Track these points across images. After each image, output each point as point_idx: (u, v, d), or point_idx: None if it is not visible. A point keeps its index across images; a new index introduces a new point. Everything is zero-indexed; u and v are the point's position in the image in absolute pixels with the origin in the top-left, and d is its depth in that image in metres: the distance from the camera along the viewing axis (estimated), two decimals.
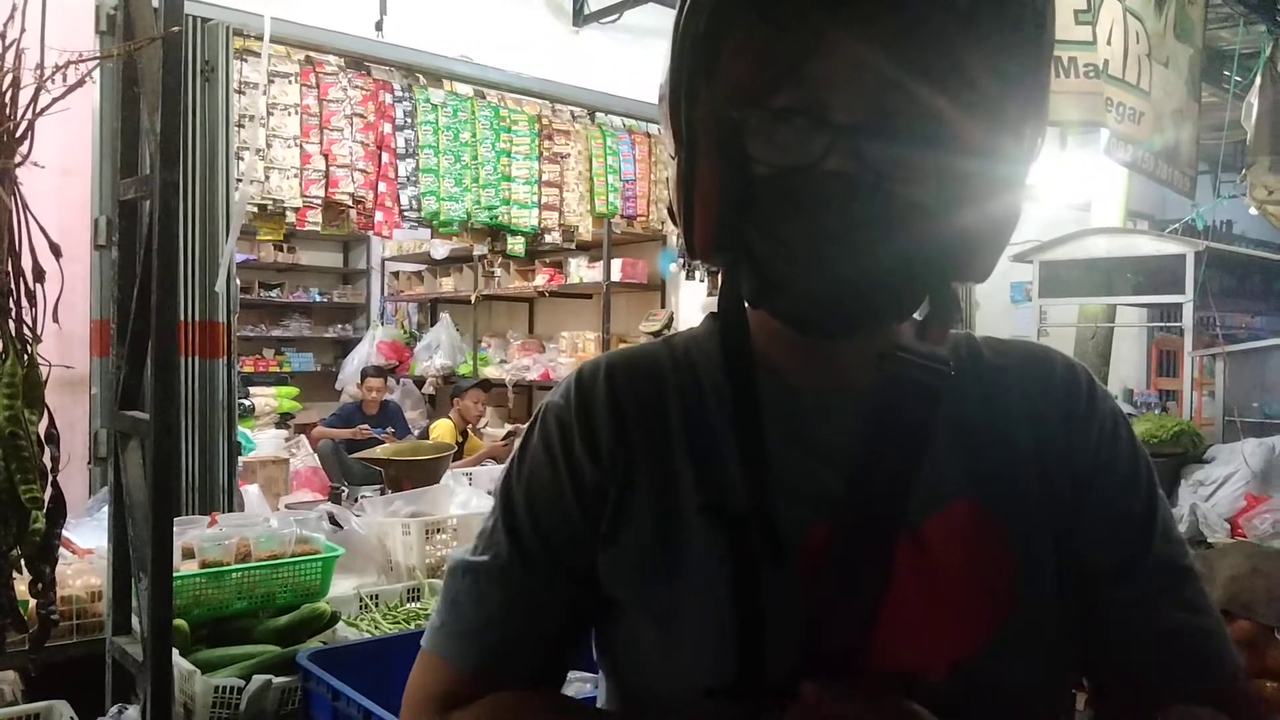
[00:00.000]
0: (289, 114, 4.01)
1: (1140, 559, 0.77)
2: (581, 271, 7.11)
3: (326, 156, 4.16)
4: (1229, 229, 9.75)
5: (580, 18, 5.20)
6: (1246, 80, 5.87)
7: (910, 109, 0.65)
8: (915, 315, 0.74)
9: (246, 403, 6.52)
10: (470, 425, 6.28)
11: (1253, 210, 6.19)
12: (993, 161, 0.68)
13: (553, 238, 5.13)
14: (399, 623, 2.50)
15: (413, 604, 2.66)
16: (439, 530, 2.93)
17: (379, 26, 4.03)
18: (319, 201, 4.16)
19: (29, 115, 1.75)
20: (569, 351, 7.33)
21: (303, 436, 6.53)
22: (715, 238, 0.71)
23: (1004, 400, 0.78)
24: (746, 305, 0.74)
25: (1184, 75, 5.11)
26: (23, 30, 1.70)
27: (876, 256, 0.65)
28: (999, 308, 8.36)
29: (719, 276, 0.75)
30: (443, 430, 6.04)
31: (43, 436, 1.79)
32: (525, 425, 0.86)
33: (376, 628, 2.48)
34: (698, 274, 6.27)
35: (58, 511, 1.79)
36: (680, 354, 0.82)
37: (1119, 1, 4.36)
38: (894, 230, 0.65)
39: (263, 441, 5.91)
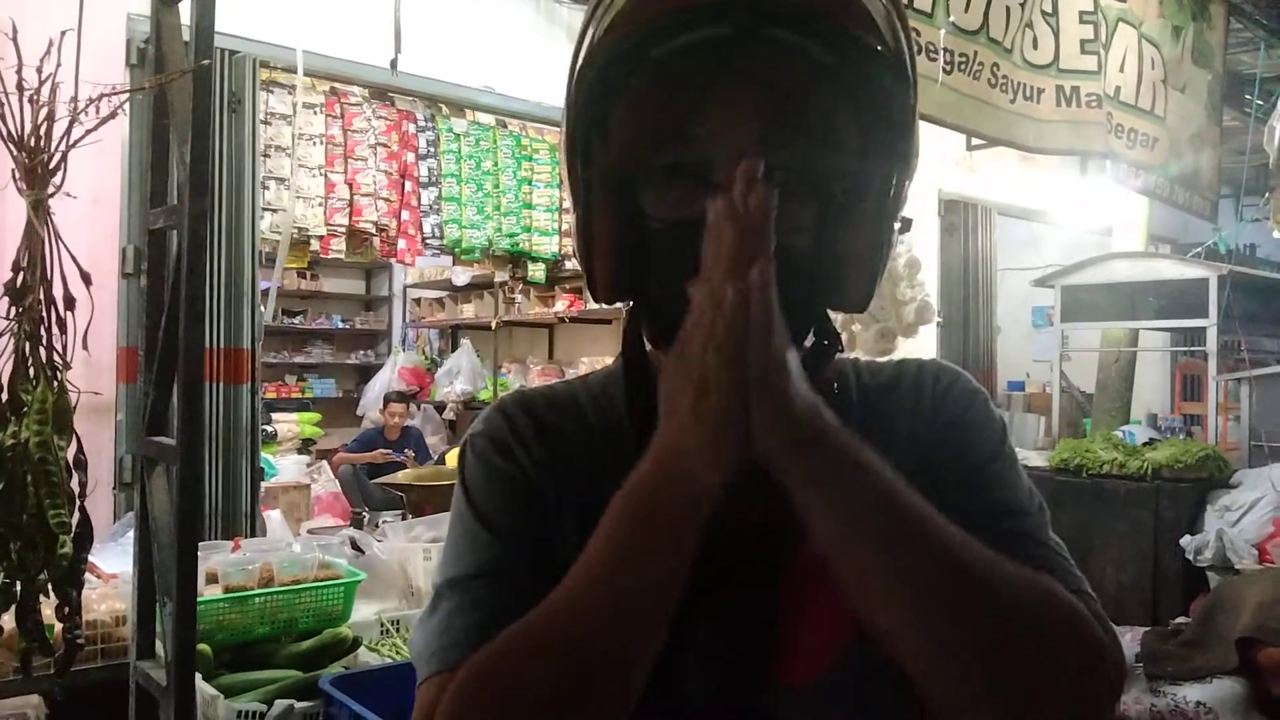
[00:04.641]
0: (314, 144, 4.07)
1: (974, 505, 0.76)
2: None
3: (351, 185, 4.22)
4: (1252, 253, 9.67)
5: None
6: (1269, 104, 5.85)
7: (787, 166, 0.70)
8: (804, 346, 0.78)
9: (269, 429, 6.56)
10: None
11: (1276, 234, 6.14)
12: (864, 206, 0.73)
13: (573, 264, 5.15)
14: None
15: None
16: None
17: (394, 65, 4.09)
18: (343, 229, 4.22)
19: (62, 147, 1.79)
20: None
21: (324, 462, 6.56)
22: (615, 285, 0.76)
23: (879, 412, 0.83)
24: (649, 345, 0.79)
25: (1202, 100, 5.10)
26: (58, 65, 1.74)
27: None
28: (1021, 332, 8.31)
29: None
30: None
31: (71, 462, 1.81)
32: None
33: (398, 653, 2.48)
34: None
35: (85, 536, 1.82)
36: (597, 390, 0.87)
37: (1134, 29, 4.37)
38: (777, 275, 0.68)
39: (285, 467, 5.93)
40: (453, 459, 6.02)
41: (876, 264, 0.75)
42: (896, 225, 0.76)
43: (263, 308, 3.75)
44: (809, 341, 0.77)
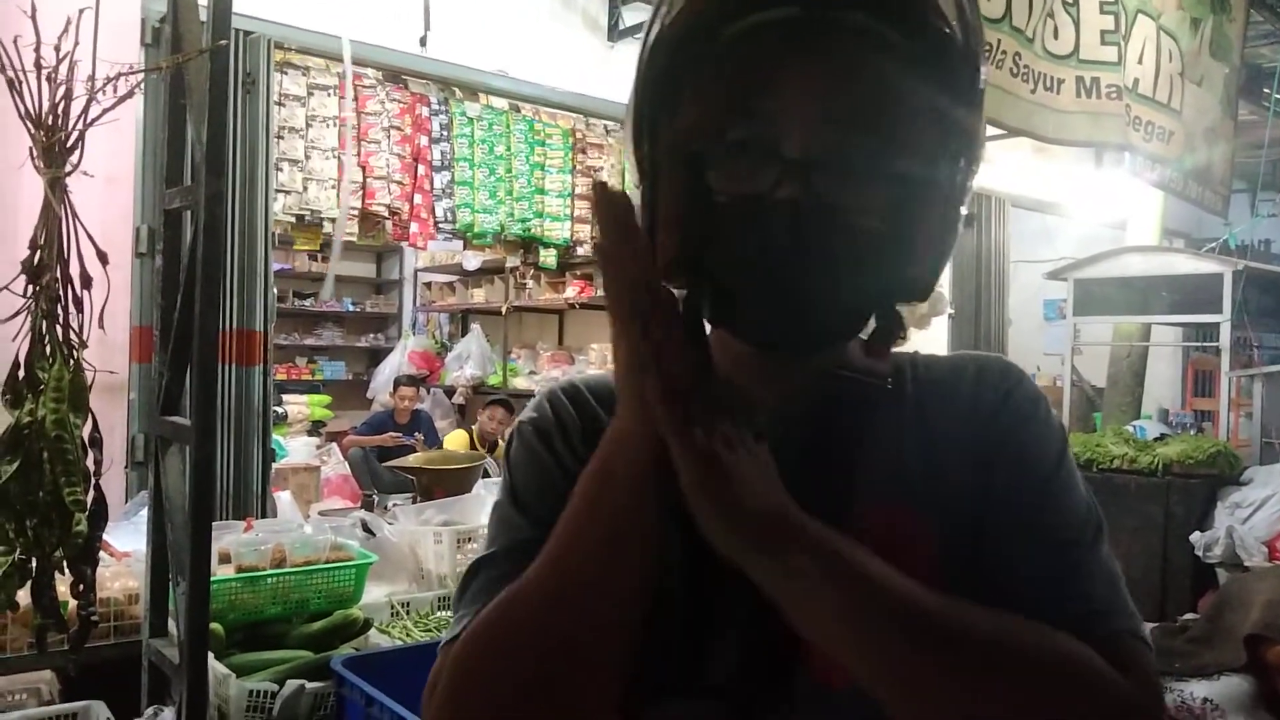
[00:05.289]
0: (327, 126, 4.06)
1: (1028, 527, 0.76)
2: None
3: (364, 168, 4.21)
4: (1267, 248, 9.61)
5: (615, 33, 5.23)
6: None
7: (854, 142, 0.70)
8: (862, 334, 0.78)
9: (279, 410, 6.59)
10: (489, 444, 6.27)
11: None
12: (930, 190, 0.73)
13: (585, 250, 5.15)
14: (430, 631, 2.52)
15: (443, 612, 2.68)
16: (470, 539, 2.94)
17: (423, 42, 4.08)
18: (356, 212, 4.21)
19: (80, 126, 1.79)
20: (598, 364, 7.34)
21: (334, 444, 6.58)
22: (679, 262, 0.75)
23: (934, 408, 0.82)
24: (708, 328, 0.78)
25: (1218, 94, 5.06)
26: (75, 43, 1.74)
27: (826, 278, 0.70)
28: (1032, 325, 8.28)
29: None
30: (456, 442, 6.07)
31: (86, 440, 1.82)
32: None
33: (408, 635, 2.49)
34: None
35: (100, 514, 1.83)
36: None
37: (1153, 20, 4.33)
38: (841, 254, 0.70)
39: (295, 449, 5.95)
40: (452, 441, 6.06)
41: (943, 250, 0.75)
42: (963, 212, 0.75)
43: (274, 290, 3.76)
44: (870, 327, 0.77)
